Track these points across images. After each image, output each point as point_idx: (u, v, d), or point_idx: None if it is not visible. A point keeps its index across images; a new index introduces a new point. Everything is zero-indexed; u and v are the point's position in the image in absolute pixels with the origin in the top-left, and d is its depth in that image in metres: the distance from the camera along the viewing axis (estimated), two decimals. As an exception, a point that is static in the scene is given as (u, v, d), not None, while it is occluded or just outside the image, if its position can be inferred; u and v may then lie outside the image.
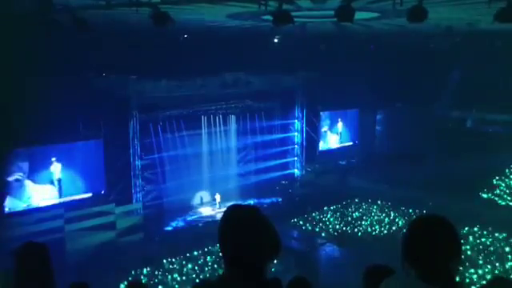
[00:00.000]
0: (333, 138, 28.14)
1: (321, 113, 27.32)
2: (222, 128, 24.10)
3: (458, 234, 2.48)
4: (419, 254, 2.44)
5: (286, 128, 26.90)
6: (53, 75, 14.91)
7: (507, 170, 24.94)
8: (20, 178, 17.36)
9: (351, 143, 28.74)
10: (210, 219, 22.01)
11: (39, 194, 17.97)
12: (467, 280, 16.03)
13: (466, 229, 19.54)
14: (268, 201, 24.09)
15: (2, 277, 3.60)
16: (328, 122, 27.86)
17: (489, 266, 17.12)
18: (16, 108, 14.99)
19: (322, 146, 27.72)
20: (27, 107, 15.04)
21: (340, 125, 28.27)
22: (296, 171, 27.38)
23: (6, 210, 17.13)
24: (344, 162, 27.70)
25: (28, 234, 15.71)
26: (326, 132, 27.74)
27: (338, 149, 28.04)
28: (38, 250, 3.51)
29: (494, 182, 24.29)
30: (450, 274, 2.44)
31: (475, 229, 19.88)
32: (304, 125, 27.12)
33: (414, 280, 2.44)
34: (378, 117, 29.45)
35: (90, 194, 19.25)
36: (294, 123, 27.14)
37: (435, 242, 2.42)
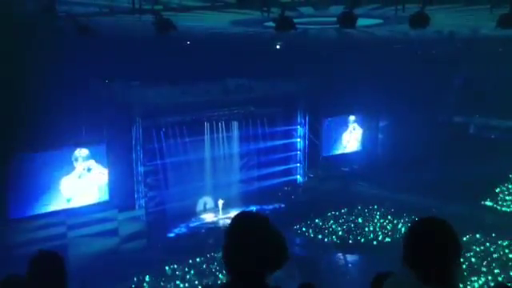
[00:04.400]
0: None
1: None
2: (225, 134, 24.07)
3: (458, 237, 2.49)
4: (418, 255, 2.45)
5: (288, 134, 26.90)
6: (55, 81, 14.97)
7: (511, 176, 24.87)
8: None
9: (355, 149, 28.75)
10: (213, 225, 21.97)
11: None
12: (469, 287, 15.96)
13: (469, 235, 19.46)
14: (270, 207, 24.01)
15: (10, 283, 3.60)
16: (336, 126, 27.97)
17: (492, 273, 17.04)
18: (18, 113, 15.04)
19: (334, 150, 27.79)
20: (30, 113, 15.09)
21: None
22: (299, 177, 27.36)
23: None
24: (347, 168, 27.66)
25: (31, 240, 15.72)
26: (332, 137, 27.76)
27: (341, 155, 27.99)
28: (54, 260, 3.50)
29: (497, 189, 24.21)
30: (449, 276, 2.44)
31: (478, 235, 19.79)
32: (307, 131, 27.13)
33: (414, 281, 2.45)
34: (381, 123, 29.44)
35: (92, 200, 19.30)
36: (296, 129, 27.15)
37: (434, 244, 2.44)
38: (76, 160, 18.75)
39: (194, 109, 22.15)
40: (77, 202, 18.84)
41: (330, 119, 27.42)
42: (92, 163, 19.10)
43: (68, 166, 18.58)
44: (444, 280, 2.41)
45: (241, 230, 2.40)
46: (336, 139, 27.76)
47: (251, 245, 2.33)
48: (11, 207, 17.15)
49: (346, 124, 28.21)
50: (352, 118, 28.21)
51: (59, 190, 18.31)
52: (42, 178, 17.87)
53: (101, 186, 19.45)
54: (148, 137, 21.22)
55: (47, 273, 3.36)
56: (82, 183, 18.90)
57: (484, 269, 17.31)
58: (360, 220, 22.79)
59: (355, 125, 28.50)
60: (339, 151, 27.99)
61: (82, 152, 18.85)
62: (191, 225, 22.54)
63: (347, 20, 9.74)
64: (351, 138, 28.34)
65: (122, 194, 20.05)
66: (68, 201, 18.57)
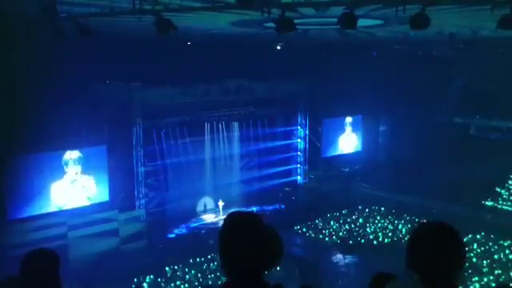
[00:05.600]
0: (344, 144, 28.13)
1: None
2: (225, 134, 24.11)
3: (462, 240, 2.49)
4: (421, 258, 2.46)
5: (288, 135, 26.91)
6: (56, 82, 14.97)
7: (511, 177, 24.86)
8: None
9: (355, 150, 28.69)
10: (213, 226, 21.98)
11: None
12: (471, 288, 15.97)
13: (470, 236, 19.46)
14: (271, 208, 24.05)
15: (8, 284, 3.60)
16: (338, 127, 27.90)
17: (494, 274, 17.04)
18: (20, 114, 15.04)
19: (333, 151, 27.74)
20: (31, 114, 15.08)
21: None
22: (299, 178, 27.36)
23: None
24: (347, 169, 27.66)
25: (31, 240, 15.72)
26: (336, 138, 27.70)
27: (341, 155, 27.94)
28: (44, 257, 3.50)
29: (498, 189, 24.20)
30: (452, 277, 2.45)
31: (479, 236, 19.80)
32: (307, 131, 27.13)
33: (417, 284, 2.45)
34: (381, 124, 29.42)
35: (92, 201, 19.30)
36: (296, 130, 27.16)
37: (438, 247, 2.44)
38: (66, 164, 18.50)
39: (195, 109, 22.19)
40: (70, 206, 18.77)
41: (330, 120, 27.37)
42: (80, 172, 18.86)
43: (60, 170, 18.46)
44: (447, 282, 2.42)
45: (234, 229, 2.40)
46: (334, 141, 27.68)
47: (245, 243, 2.33)
48: (9, 208, 17.14)
49: (342, 127, 28.00)
50: (349, 119, 27.99)
51: (50, 196, 18.22)
52: (41, 179, 17.89)
53: (91, 196, 19.30)
54: (148, 137, 21.24)
55: (39, 271, 3.37)
56: (74, 190, 18.70)
57: (485, 269, 17.32)
58: (360, 221, 22.81)
59: (350, 131, 28.27)
60: (337, 153, 27.92)
61: (72, 155, 18.56)
62: (191, 225, 22.58)
63: (348, 21, 9.73)
64: (348, 141, 28.19)
65: (122, 194, 20.03)
66: (59, 208, 18.45)
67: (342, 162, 27.74)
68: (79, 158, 18.72)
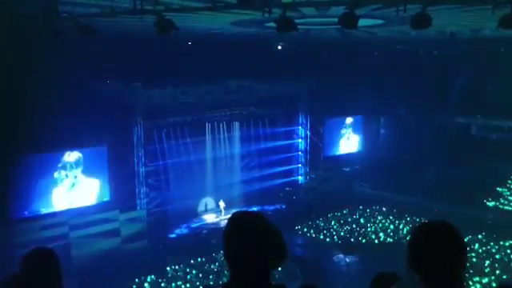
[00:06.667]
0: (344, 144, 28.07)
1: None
2: (226, 135, 24.10)
3: (463, 239, 2.49)
4: (423, 259, 2.45)
5: (289, 134, 26.89)
6: (57, 82, 14.98)
7: (512, 177, 24.84)
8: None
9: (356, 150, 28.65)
10: (214, 226, 22.01)
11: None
12: (472, 288, 15.96)
13: (471, 236, 19.44)
14: (272, 207, 24.03)
15: (11, 282, 3.61)
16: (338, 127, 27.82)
17: (495, 274, 17.03)
18: (21, 114, 15.04)
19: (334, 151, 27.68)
20: (32, 114, 15.08)
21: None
22: (300, 178, 27.35)
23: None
24: (348, 169, 27.64)
25: (33, 240, 15.73)
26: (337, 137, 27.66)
27: (342, 155, 27.91)
28: (46, 256, 3.52)
29: (499, 189, 24.18)
30: (455, 278, 2.44)
31: (480, 236, 19.79)
32: (308, 131, 27.11)
33: (419, 285, 2.45)
34: (382, 123, 29.40)
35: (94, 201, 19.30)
36: (297, 130, 27.14)
37: (439, 247, 2.43)
38: (65, 168, 18.41)
39: (195, 109, 22.18)
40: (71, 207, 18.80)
41: (331, 120, 27.34)
42: (80, 174, 18.82)
43: (60, 171, 18.42)
44: (449, 282, 2.42)
45: (240, 230, 2.39)
46: (334, 141, 27.64)
47: (251, 243, 2.33)
48: (12, 208, 17.15)
49: (343, 127, 27.86)
50: (349, 120, 27.92)
51: (51, 198, 18.24)
52: (43, 179, 17.90)
53: (91, 199, 19.20)
54: (149, 137, 21.24)
55: (36, 270, 3.39)
56: (74, 194, 18.63)
57: (486, 269, 17.30)
58: (361, 220, 22.80)
59: (351, 131, 28.23)
60: (338, 153, 27.86)
61: (70, 158, 18.44)
62: (192, 225, 22.58)
63: (348, 20, 9.72)
64: (349, 142, 28.12)
65: (123, 194, 20.05)
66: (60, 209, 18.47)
67: (342, 161, 27.72)
68: (78, 160, 18.66)
